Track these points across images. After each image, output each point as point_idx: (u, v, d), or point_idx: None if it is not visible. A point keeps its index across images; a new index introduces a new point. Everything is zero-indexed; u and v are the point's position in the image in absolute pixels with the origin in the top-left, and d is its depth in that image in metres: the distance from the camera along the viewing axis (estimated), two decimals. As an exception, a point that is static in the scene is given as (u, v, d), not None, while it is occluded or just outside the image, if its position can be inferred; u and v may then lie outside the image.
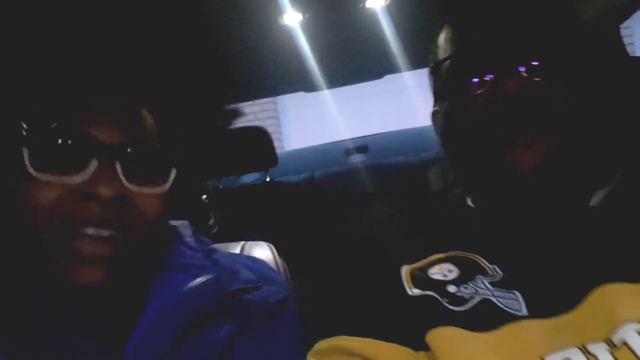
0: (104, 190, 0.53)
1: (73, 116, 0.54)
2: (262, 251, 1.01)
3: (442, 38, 0.74)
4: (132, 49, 0.58)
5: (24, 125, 0.53)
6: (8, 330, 0.50)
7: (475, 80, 0.66)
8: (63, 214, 0.53)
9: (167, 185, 0.60)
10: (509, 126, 0.62)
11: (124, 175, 0.55)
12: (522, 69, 0.62)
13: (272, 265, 0.94)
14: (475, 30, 0.69)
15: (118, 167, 0.54)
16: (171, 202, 0.62)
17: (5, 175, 0.54)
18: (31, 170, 0.52)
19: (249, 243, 1.04)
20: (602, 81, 0.71)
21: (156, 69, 0.58)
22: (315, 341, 0.61)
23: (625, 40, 1.54)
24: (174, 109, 0.60)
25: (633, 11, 1.39)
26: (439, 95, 0.76)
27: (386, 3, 1.44)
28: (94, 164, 0.53)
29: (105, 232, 0.54)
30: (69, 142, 0.54)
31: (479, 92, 0.65)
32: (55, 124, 0.53)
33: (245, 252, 1.02)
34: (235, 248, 1.03)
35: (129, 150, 0.56)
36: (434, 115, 0.80)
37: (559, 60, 0.64)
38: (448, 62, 0.70)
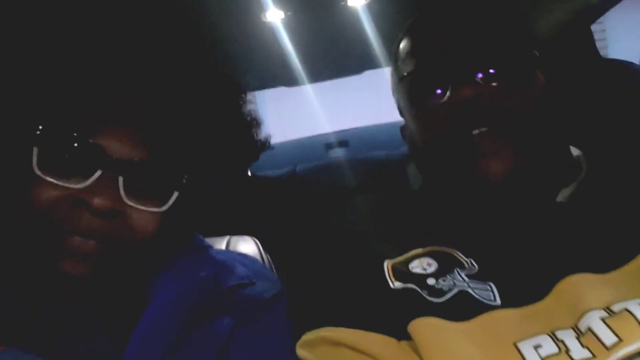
0: (98, 201, 0.53)
1: (88, 126, 0.55)
2: (248, 246, 1.02)
3: (401, 53, 0.77)
4: (153, 67, 0.58)
5: (40, 127, 0.54)
6: (15, 329, 0.51)
7: (438, 91, 0.68)
8: (55, 216, 0.54)
9: (166, 206, 0.60)
10: (467, 122, 0.65)
11: (124, 189, 0.56)
12: (479, 76, 0.66)
13: (258, 259, 0.96)
14: (431, 44, 0.71)
15: (120, 180, 0.56)
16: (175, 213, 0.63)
17: (12, 171, 0.56)
18: (36, 169, 0.53)
19: (234, 238, 1.05)
20: (570, 81, 0.74)
21: (172, 87, 0.59)
22: (303, 332, 0.63)
23: (597, 36, 1.57)
24: (188, 129, 0.60)
25: (605, 10, 1.42)
26: (404, 110, 0.78)
27: (367, 2, 1.46)
28: (97, 174, 0.54)
29: (91, 242, 0.55)
30: (79, 149, 0.55)
31: (440, 102, 0.68)
32: (69, 130, 0.55)
33: (231, 247, 1.02)
34: (221, 243, 1.03)
35: (134, 166, 0.57)
36: (403, 129, 0.83)
37: (512, 66, 0.67)
38: (409, 78, 0.73)
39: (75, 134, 0.55)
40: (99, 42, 0.57)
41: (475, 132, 0.65)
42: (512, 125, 0.64)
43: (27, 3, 0.58)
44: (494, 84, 0.65)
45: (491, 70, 0.66)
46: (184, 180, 0.62)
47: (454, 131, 0.66)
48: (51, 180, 0.54)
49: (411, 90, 0.73)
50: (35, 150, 0.54)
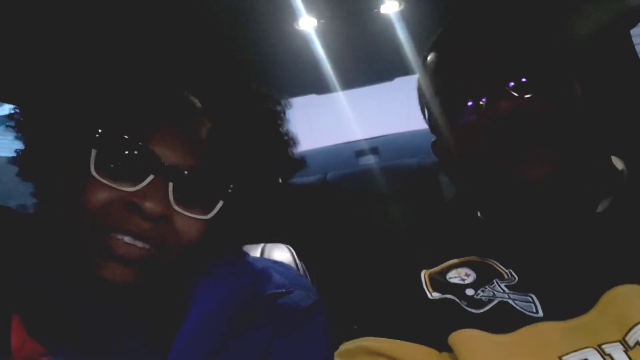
0: (149, 206, 0.55)
1: (144, 132, 0.58)
2: (282, 253, 1.03)
3: (430, 68, 0.75)
4: (211, 78, 0.60)
5: (99, 130, 0.57)
6: (62, 330, 0.52)
7: (470, 105, 0.67)
8: (107, 217, 0.56)
9: (211, 214, 0.62)
10: (507, 136, 0.63)
11: (174, 195, 0.58)
12: (511, 84, 0.64)
13: (293, 267, 0.96)
14: (461, 57, 0.69)
15: (170, 186, 0.58)
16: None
17: (69, 171, 0.58)
18: (92, 171, 0.55)
19: (269, 245, 1.05)
20: (609, 87, 0.72)
21: (226, 98, 0.61)
22: (341, 342, 0.63)
23: (636, 40, 1.53)
24: (238, 140, 0.63)
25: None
26: (435, 127, 0.77)
27: (400, 9, 1.46)
28: (149, 179, 0.56)
29: (139, 244, 0.56)
30: (134, 153, 0.57)
31: (473, 118, 0.66)
32: (126, 135, 0.57)
33: (265, 254, 1.02)
34: (255, 250, 1.03)
35: (184, 173, 0.59)
36: (434, 145, 0.81)
37: (547, 76, 0.66)
38: (439, 95, 0.72)
39: (131, 139, 0.57)
40: (159, 52, 0.59)
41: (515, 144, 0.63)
42: (551, 135, 0.63)
43: (92, 8, 0.60)
44: (529, 95, 0.64)
45: (523, 80, 0.64)
46: (230, 190, 0.64)
47: (493, 145, 0.65)
48: (105, 182, 0.56)
49: (446, 106, 0.72)
50: (93, 152, 0.56)
